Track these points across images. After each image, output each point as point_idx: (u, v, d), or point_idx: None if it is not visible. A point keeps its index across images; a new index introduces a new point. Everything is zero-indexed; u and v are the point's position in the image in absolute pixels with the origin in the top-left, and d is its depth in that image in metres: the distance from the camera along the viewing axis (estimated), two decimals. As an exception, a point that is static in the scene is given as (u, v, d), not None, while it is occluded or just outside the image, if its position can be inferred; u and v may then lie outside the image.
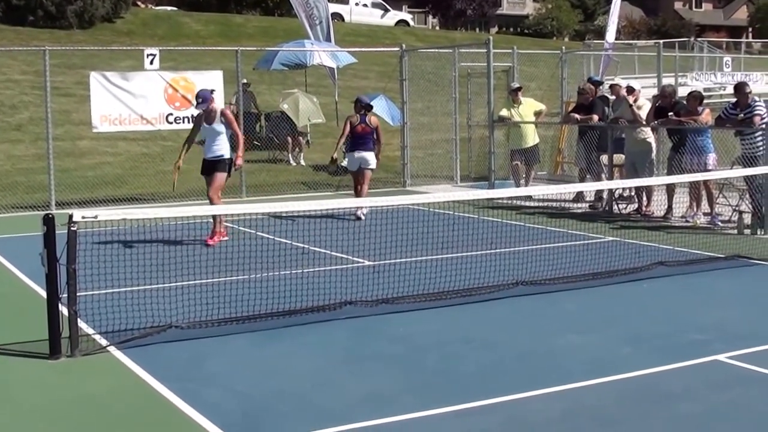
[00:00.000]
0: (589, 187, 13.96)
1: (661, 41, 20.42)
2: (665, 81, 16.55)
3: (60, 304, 6.47)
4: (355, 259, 9.80)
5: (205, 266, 8.79)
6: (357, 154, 13.15)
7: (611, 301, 8.21)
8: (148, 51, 15.55)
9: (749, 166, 11.33)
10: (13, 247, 11.02)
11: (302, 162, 19.62)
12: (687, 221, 12.23)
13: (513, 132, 15.73)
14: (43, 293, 6.66)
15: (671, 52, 25.52)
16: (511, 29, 57.85)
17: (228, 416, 5.34)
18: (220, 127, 10.93)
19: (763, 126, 11.51)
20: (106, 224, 9.40)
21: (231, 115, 11.18)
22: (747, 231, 11.35)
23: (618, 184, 13.01)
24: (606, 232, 11.50)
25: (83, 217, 6.57)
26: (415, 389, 5.80)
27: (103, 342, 6.79)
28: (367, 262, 9.58)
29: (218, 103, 11.29)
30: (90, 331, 6.99)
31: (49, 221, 6.40)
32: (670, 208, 12.70)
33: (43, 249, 6.38)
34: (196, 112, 12.10)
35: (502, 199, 14.15)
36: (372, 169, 13.25)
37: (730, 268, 9.39)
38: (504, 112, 15.71)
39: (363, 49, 25.26)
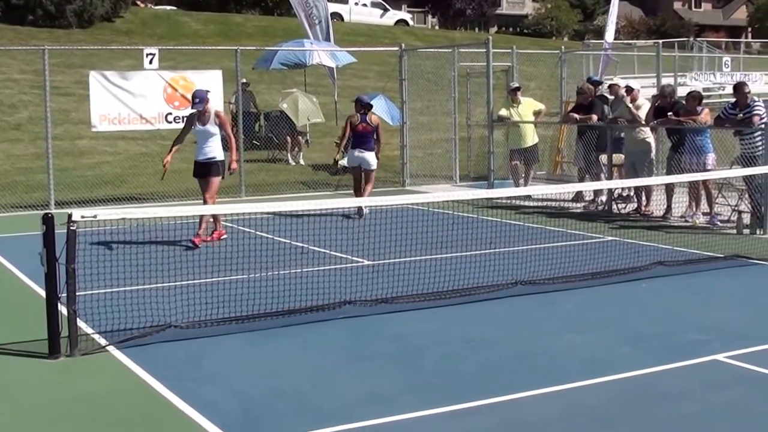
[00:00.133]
0: (588, 187, 13.97)
1: (661, 41, 20.41)
2: (664, 81, 16.54)
3: (59, 304, 6.47)
4: (354, 258, 9.80)
5: (205, 266, 8.79)
6: (357, 153, 13.24)
7: (610, 300, 8.21)
8: (147, 50, 15.55)
9: (748, 166, 11.34)
10: (12, 247, 11.01)
11: (301, 161, 19.62)
12: (686, 221, 12.23)
13: (512, 132, 15.73)
14: (43, 293, 6.67)
15: (670, 52, 25.53)
16: (511, 29, 57.87)
17: (227, 415, 5.34)
18: (213, 128, 10.75)
19: (762, 126, 11.51)
20: (105, 224, 9.42)
21: (225, 117, 11.04)
22: (746, 231, 11.35)
23: (617, 183, 13.02)
24: (605, 232, 11.50)
25: (82, 217, 6.57)
26: (414, 389, 5.81)
27: (103, 341, 6.79)
28: (366, 262, 9.58)
29: (213, 104, 11.16)
30: (89, 330, 6.99)
31: (48, 221, 6.40)
32: (669, 207, 12.70)
33: (43, 248, 6.38)
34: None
35: (501, 198, 14.15)
36: (373, 170, 13.35)
37: (729, 268, 9.39)
38: (503, 112, 15.71)
39: (362, 49, 25.27)
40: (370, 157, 13.22)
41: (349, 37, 33.67)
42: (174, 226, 10.35)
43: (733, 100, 12.26)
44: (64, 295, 6.45)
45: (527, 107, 15.68)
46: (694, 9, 71.44)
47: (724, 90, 26.36)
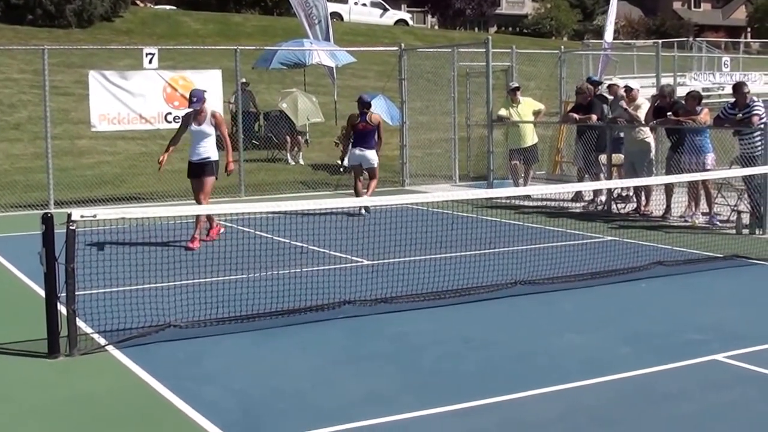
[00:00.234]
0: (588, 187, 13.97)
1: (660, 41, 20.43)
2: (664, 81, 16.55)
3: (59, 303, 6.47)
4: (354, 258, 9.80)
5: (204, 265, 8.78)
6: (359, 152, 13.42)
7: (609, 300, 8.22)
8: (146, 50, 15.56)
9: (748, 166, 11.34)
10: (11, 246, 11.01)
11: (301, 161, 19.63)
12: (685, 221, 12.24)
13: (512, 131, 15.73)
14: (42, 292, 6.66)
15: (670, 52, 25.52)
16: (510, 29, 57.89)
17: (227, 415, 5.34)
18: (209, 128, 10.67)
19: (762, 126, 11.51)
20: (104, 223, 9.42)
21: (221, 117, 10.92)
22: (745, 231, 11.36)
23: (616, 183, 13.02)
24: (604, 232, 11.51)
25: (82, 216, 6.57)
26: (414, 389, 5.81)
27: (102, 341, 6.79)
28: (365, 262, 9.58)
29: (210, 104, 11.10)
30: (88, 330, 6.99)
31: (47, 220, 6.40)
32: (668, 207, 12.71)
33: (42, 248, 6.38)
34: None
35: (500, 198, 14.15)
36: (375, 167, 13.52)
37: (728, 268, 9.40)
38: (503, 112, 15.71)
39: (362, 49, 25.27)
40: (371, 154, 13.36)
41: (349, 36, 33.67)
42: (173, 225, 10.35)
43: (732, 100, 12.26)
44: (64, 294, 6.45)
45: (527, 107, 15.69)
46: (693, 9, 71.47)
47: (723, 90, 26.36)
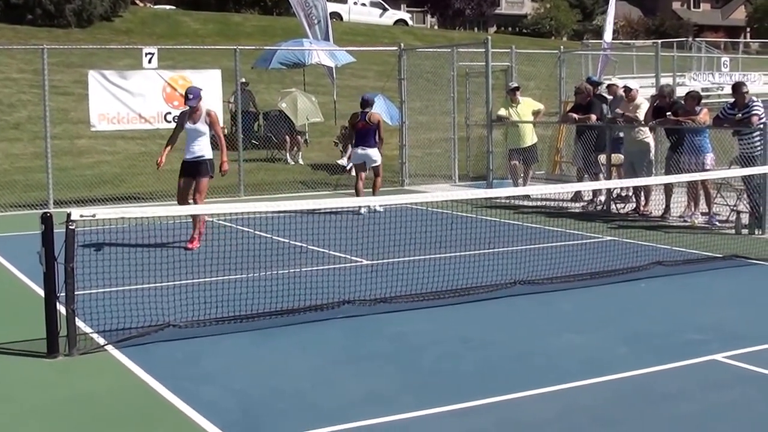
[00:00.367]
0: (587, 187, 13.98)
1: (659, 41, 20.43)
2: (663, 81, 16.57)
3: (58, 303, 6.47)
4: (353, 258, 9.80)
5: (203, 265, 8.78)
6: (361, 151, 13.59)
7: (609, 300, 8.22)
8: (146, 50, 15.56)
9: (747, 166, 11.35)
10: (11, 246, 11.01)
11: (300, 161, 19.63)
12: (685, 221, 12.24)
13: (511, 131, 15.74)
14: (41, 292, 6.66)
15: (669, 52, 25.53)
16: (510, 29, 57.90)
17: (226, 415, 5.34)
18: (204, 127, 10.61)
19: (761, 126, 11.52)
20: (104, 223, 9.40)
21: (216, 116, 10.85)
22: (744, 231, 11.36)
23: (615, 183, 13.03)
24: (604, 232, 11.51)
25: (81, 216, 6.58)
26: (413, 388, 5.81)
27: (101, 341, 6.79)
28: (365, 262, 9.58)
29: (205, 102, 11.06)
30: (88, 329, 6.99)
31: (47, 220, 6.40)
32: (667, 207, 12.71)
33: (41, 247, 6.37)
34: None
35: (500, 198, 14.15)
36: (379, 165, 13.66)
37: (727, 268, 9.40)
38: (502, 112, 15.72)
39: (361, 48, 25.28)
40: (374, 153, 13.53)
41: (348, 36, 33.69)
42: (173, 225, 10.34)
43: (731, 100, 12.27)
44: (63, 294, 6.45)
45: (526, 107, 15.69)
46: (692, 9, 71.49)
47: (722, 90, 26.37)
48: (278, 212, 10.15)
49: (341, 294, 7.96)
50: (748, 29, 64.49)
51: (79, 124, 18.95)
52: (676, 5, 71.12)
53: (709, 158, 12.15)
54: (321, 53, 19.98)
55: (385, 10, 47.42)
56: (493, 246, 10.12)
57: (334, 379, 6.05)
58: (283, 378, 6.06)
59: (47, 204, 14.20)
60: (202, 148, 10.68)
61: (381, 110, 18.50)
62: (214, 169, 10.77)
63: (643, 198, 13.19)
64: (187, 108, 10.74)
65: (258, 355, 6.63)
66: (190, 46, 24.40)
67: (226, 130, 17.90)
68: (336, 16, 41.27)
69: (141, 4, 42.07)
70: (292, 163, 19.48)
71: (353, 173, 17.66)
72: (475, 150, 18.43)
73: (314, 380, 5.99)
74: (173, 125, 15.38)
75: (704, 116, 12.30)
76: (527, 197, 14.57)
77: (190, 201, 10.76)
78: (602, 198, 13.84)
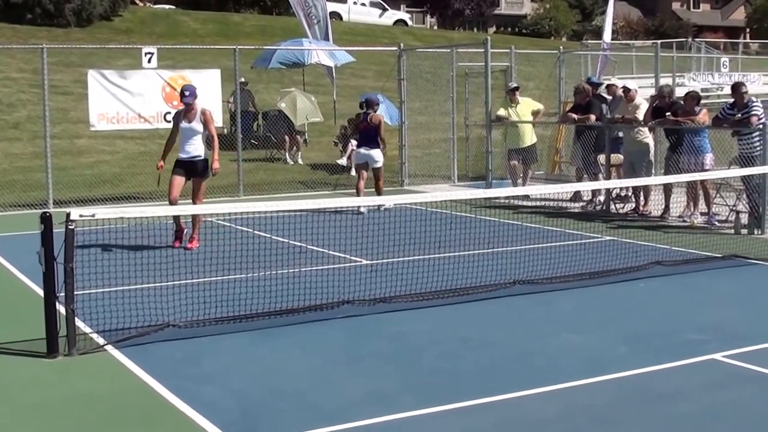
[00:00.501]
0: (586, 187, 13.98)
1: (659, 41, 20.43)
2: (663, 81, 16.57)
3: (57, 303, 6.46)
4: (353, 258, 9.80)
5: (203, 265, 8.78)
6: (364, 151, 13.72)
7: (608, 300, 8.22)
8: (145, 49, 15.56)
9: (746, 166, 11.35)
10: (10, 246, 11.01)
11: (300, 161, 19.62)
12: (684, 221, 12.25)
13: (510, 131, 15.74)
14: (41, 292, 6.66)
15: (669, 53, 25.56)
16: (509, 29, 57.91)
17: (226, 414, 5.34)
18: (198, 126, 10.53)
19: (760, 126, 11.52)
20: (103, 223, 9.40)
21: (210, 115, 10.73)
22: (744, 231, 11.37)
23: (615, 183, 13.03)
24: (603, 232, 11.52)
25: (81, 216, 6.57)
26: (413, 388, 5.81)
27: (101, 341, 6.79)
28: (364, 261, 9.58)
29: (200, 101, 11.02)
30: (87, 329, 6.99)
31: (46, 220, 6.40)
32: (667, 207, 12.71)
33: (41, 247, 6.37)
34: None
35: (499, 198, 14.15)
36: (380, 166, 13.72)
37: (727, 268, 9.40)
38: (501, 112, 15.72)
39: (361, 48, 25.28)
40: (376, 154, 13.62)
41: (348, 36, 33.70)
42: (172, 225, 10.36)
43: (731, 100, 12.27)
44: (63, 294, 6.45)
45: (525, 107, 15.69)
46: (692, 9, 71.51)
47: (722, 90, 26.40)
48: (277, 212, 10.16)
49: (341, 294, 7.96)
50: (748, 30, 64.52)
51: (79, 124, 18.95)
52: (675, 5, 71.15)
53: (709, 158, 12.15)
54: (320, 53, 19.99)
55: (384, 10, 47.43)
56: (492, 246, 10.12)
57: (333, 379, 6.05)
58: (283, 378, 6.06)
59: (47, 204, 14.20)
60: (198, 147, 10.62)
61: (381, 110, 18.52)
62: (209, 169, 10.72)
63: (642, 198, 13.20)
64: (182, 107, 10.71)
65: (257, 355, 6.63)
66: (189, 46, 24.40)
67: (225, 130, 17.94)
68: (335, 15, 41.28)
69: (140, 4, 42.07)
70: (292, 162, 19.48)
71: (353, 173, 17.76)
72: (474, 150, 18.43)
73: (314, 380, 5.99)
74: (172, 125, 15.45)
75: (703, 116, 12.31)
76: (526, 197, 14.58)
77: (181, 201, 10.69)
78: (601, 198, 13.85)
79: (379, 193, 13.59)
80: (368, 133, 13.61)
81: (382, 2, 48.04)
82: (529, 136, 15.59)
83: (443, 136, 18.74)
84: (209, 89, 15.43)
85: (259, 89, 23.39)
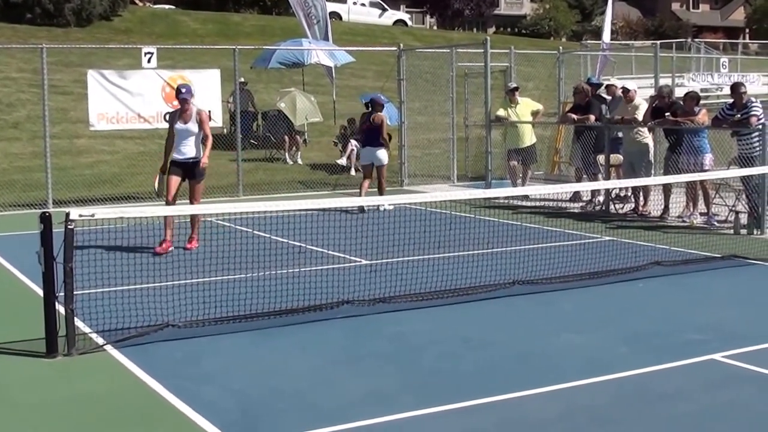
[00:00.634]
0: (586, 187, 13.98)
1: (659, 42, 20.49)
2: (662, 81, 16.58)
3: (57, 303, 6.46)
4: (352, 258, 9.80)
5: (202, 265, 8.77)
6: (367, 150, 13.92)
7: (608, 300, 8.22)
8: (145, 49, 15.56)
9: (746, 167, 11.36)
10: (10, 246, 11.01)
11: (299, 161, 19.63)
12: (684, 221, 12.25)
13: (510, 132, 15.74)
14: (40, 292, 6.65)
15: (668, 53, 25.60)
16: (509, 29, 57.93)
17: (225, 414, 5.34)
18: (194, 127, 10.42)
19: (760, 126, 11.53)
20: (103, 223, 9.39)
21: (205, 116, 10.63)
22: (743, 231, 11.37)
23: (614, 183, 13.03)
24: (602, 232, 11.52)
25: (80, 216, 6.57)
26: (413, 388, 5.81)
27: (100, 341, 6.78)
28: (364, 261, 9.58)
29: (196, 102, 10.98)
30: (87, 329, 6.98)
31: (46, 219, 6.39)
32: (666, 208, 12.72)
33: (40, 247, 6.37)
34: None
35: (498, 198, 14.15)
36: (383, 166, 13.83)
37: (726, 268, 9.41)
38: (501, 112, 15.72)
39: (361, 48, 25.29)
40: (380, 153, 13.75)
41: (348, 36, 33.71)
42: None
43: (730, 100, 12.28)
44: (62, 294, 6.44)
45: (525, 107, 15.70)
46: (692, 10, 71.54)
47: (721, 91, 26.40)
48: (277, 212, 10.17)
49: (340, 294, 7.96)
50: (747, 30, 64.55)
51: (78, 124, 18.94)
52: (675, 6, 71.17)
53: (708, 159, 12.16)
54: (320, 53, 20.00)
55: (384, 10, 47.45)
56: (492, 246, 10.12)
57: (333, 379, 6.05)
58: (283, 378, 6.06)
59: (46, 203, 14.20)
60: (194, 148, 10.49)
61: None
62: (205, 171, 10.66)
63: (641, 198, 13.20)
64: (178, 107, 10.64)
65: (257, 355, 6.63)
66: (189, 46, 24.40)
67: (225, 130, 17.95)
68: (335, 16, 41.30)
69: (140, 4, 42.07)
70: (291, 162, 19.48)
71: (353, 173, 17.78)
72: (473, 150, 18.44)
73: (314, 380, 5.99)
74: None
75: (703, 117, 12.32)
76: (526, 197, 14.58)
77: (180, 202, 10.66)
78: (601, 198, 13.85)
79: (381, 192, 13.62)
80: (371, 133, 13.76)
81: (381, 2, 48.05)
82: (529, 137, 15.60)
83: (443, 137, 18.74)
84: (209, 89, 15.45)
85: (259, 89, 23.39)
